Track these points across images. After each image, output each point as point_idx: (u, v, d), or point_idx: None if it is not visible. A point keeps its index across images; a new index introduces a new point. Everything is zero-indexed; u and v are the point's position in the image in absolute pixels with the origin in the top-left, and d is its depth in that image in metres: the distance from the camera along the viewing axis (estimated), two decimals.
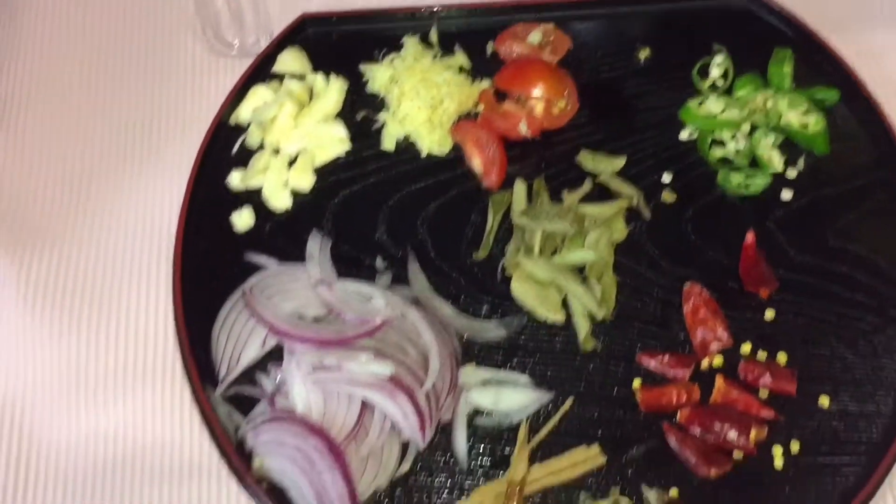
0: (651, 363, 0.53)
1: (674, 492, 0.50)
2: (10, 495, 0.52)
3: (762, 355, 0.53)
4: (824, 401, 0.52)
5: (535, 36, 0.63)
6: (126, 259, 0.58)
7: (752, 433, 0.50)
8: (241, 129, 0.61)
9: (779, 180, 0.59)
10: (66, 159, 0.62)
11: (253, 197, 0.59)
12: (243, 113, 0.61)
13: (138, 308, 0.57)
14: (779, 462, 0.50)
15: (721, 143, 0.60)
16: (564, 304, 0.55)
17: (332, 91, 0.61)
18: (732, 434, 0.50)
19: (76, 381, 0.54)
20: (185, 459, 0.52)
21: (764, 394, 0.52)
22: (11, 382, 0.54)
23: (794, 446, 0.51)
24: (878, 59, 0.64)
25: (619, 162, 0.59)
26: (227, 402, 0.52)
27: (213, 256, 0.57)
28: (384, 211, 0.58)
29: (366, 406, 0.50)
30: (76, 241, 0.59)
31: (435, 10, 0.65)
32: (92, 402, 0.54)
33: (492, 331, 0.54)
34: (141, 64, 0.66)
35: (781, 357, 0.53)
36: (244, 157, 0.60)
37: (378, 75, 0.62)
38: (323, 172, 0.60)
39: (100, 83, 0.65)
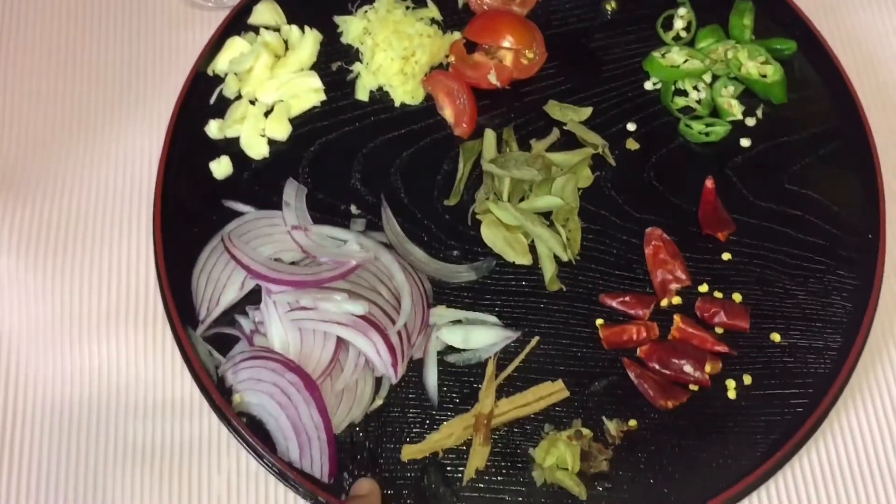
0: (613, 303, 0.55)
1: (633, 422, 0.52)
2: (0, 429, 0.54)
3: (718, 294, 0.55)
4: (776, 336, 0.54)
5: None
6: (108, 206, 0.60)
7: (708, 367, 0.53)
8: (218, 80, 0.62)
9: (738, 128, 0.60)
10: (48, 111, 0.63)
11: (231, 146, 0.60)
12: (220, 64, 0.62)
13: (121, 253, 0.58)
14: (732, 394, 0.53)
15: (683, 93, 0.62)
16: (532, 247, 0.57)
17: (307, 42, 0.62)
18: (689, 368, 0.53)
19: (62, 322, 0.56)
20: (168, 396, 0.54)
21: (719, 330, 0.54)
22: (1, 324, 0.56)
23: (747, 379, 0.53)
24: (835, 12, 0.65)
25: (586, 111, 0.61)
26: (208, 341, 0.54)
27: (193, 203, 0.58)
28: (358, 159, 0.60)
29: (341, 343, 0.52)
30: (58, 190, 0.60)
31: None
32: (78, 343, 0.56)
33: (462, 274, 0.56)
34: (120, 17, 0.66)
35: (736, 296, 0.55)
36: (222, 108, 0.61)
37: (352, 27, 0.63)
38: (299, 122, 0.61)
39: (80, 36, 0.66)
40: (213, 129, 0.60)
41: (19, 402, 0.54)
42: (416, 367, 0.54)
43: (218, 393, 0.51)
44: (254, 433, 0.51)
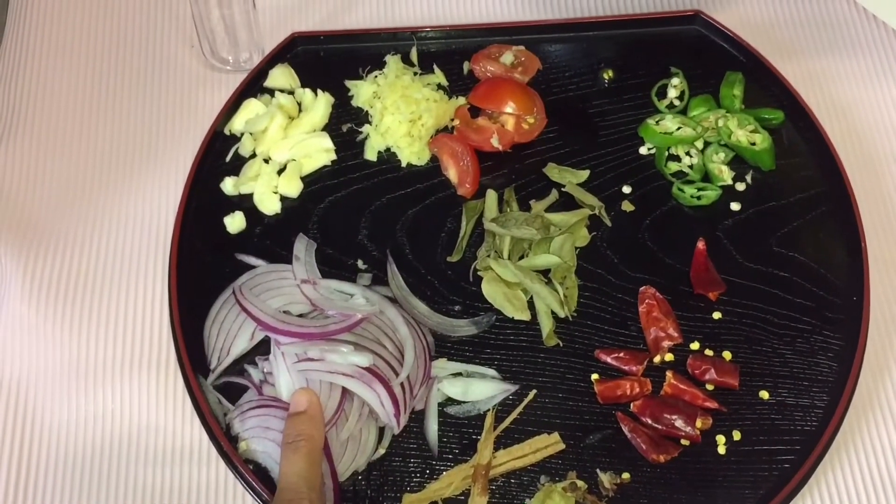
0: (608, 358, 0.58)
1: (626, 475, 0.54)
2: (13, 473, 0.55)
3: (709, 352, 0.58)
4: (764, 394, 0.56)
5: (508, 57, 0.67)
6: (125, 258, 0.62)
7: (698, 422, 0.55)
8: (234, 139, 0.65)
9: (728, 193, 0.63)
10: (70, 165, 0.66)
11: (245, 202, 0.63)
12: (236, 124, 0.65)
13: (136, 303, 0.61)
14: (722, 449, 0.55)
15: (676, 158, 0.65)
16: (530, 304, 0.59)
17: (320, 105, 0.65)
18: (680, 423, 0.55)
19: (77, 370, 0.58)
20: (178, 443, 0.56)
21: (710, 387, 0.56)
22: (17, 371, 0.58)
23: (736, 435, 0.55)
24: (820, 84, 0.68)
25: (583, 174, 0.64)
26: (217, 390, 0.56)
27: (207, 256, 0.60)
28: (366, 216, 0.62)
29: (346, 394, 0.55)
30: (79, 241, 0.63)
31: (415, 31, 0.68)
32: (92, 390, 0.58)
33: (463, 328, 0.59)
34: (141, 77, 0.69)
35: (726, 354, 0.57)
36: (237, 165, 0.64)
37: (362, 91, 0.66)
38: (310, 180, 0.64)
39: (102, 94, 0.69)
40: (229, 185, 0.63)
41: (34, 447, 0.56)
42: (417, 417, 0.56)
43: (226, 440, 0.53)
44: (260, 480, 0.52)
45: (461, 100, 0.66)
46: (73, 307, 0.60)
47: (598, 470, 0.54)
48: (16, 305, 0.60)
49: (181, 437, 0.56)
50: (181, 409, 0.57)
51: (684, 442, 0.55)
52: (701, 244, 0.61)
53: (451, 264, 0.61)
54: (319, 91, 0.66)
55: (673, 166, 0.64)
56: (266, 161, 0.64)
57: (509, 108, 0.64)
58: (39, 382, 0.58)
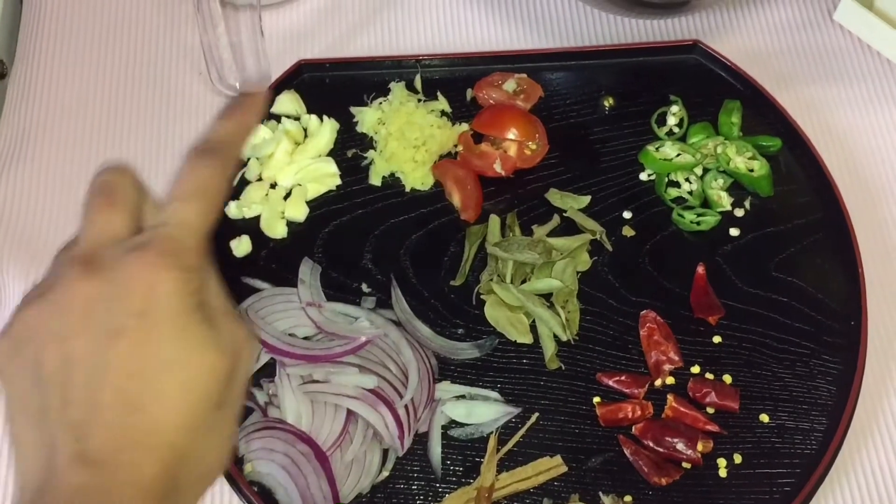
0: (610, 382, 0.58)
1: (628, 498, 0.54)
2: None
3: (709, 375, 0.58)
4: (764, 417, 0.57)
5: (510, 84, 0.68)
6: None
7: (700, 445, 0.55)
8: (240, 164, 0.66)
9: (727, 219, 0.64)
10: (81, 189, 0.66)
11: (251, 226, 0.63)
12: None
13: None
14: (723, 472, 0.55)
15: (676, 185, 0.66)
16: (532, 327, 0.60)
17: (325, 131, 0.67)
18: (681, 446, 0.55)
19: None
20: None
21: (710, 410, 0.57)
22: None
23: (737, 458, 0.56)
24: (818, 112, 0.70)
25: (585, 200, 0.65)
26: None
27: None
28: (370, 240, 0.63)
29: (351, 416, 0.55)
30: None
31: (419, 59, 0.70)
32: None
33: (466, 351, 0.59)
34: (149, 102, 0.71)
35: (727, 377, 0.58)
36: (243, 190, 0.65)
37: (367, 117, 0.67)
38: (315, 205, 0.65)
39: (110, 120, 0.70)
40: (232, 208, 0.64)
41: None
42: (420, 440, 0.56)
43: (230, 462, 0.54)
44: (265, 502, 0.53)
45: (464, 126, 0.67)
46: None
47: (600, 492, 0.54)
48: None
49: None
50: None
51: (686, 465, 0.55)
52: (701, 269, 0.62)
53: (454, 288, 0.62)
54: (325, 117, 0.68)
55: (673, 192, 0.65)
56: (272, 186, 0.65)
57: (512, 134, 0.65)
58: None
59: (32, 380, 0.33)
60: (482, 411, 0.57)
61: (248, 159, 0.66)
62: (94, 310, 0.32)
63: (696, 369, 0.58)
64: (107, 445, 0.32)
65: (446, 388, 0.57)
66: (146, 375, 0.32)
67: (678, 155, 0.65)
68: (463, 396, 0.57)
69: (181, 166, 0.37)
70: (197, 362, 0.33)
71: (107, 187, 0.37)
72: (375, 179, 0.66)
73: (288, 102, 0.68)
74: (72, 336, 0.32)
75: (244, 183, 0.65)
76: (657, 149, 0.66)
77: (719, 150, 0.65)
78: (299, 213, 0.64)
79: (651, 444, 0.56)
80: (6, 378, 0.34)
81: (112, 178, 0.37)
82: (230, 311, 0.35)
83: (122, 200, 0.36)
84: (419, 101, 0.68)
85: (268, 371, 0.58)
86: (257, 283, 0.61)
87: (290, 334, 0.58)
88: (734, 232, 0.64)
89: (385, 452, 0.55)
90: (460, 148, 0.66)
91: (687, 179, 0.66)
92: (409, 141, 0.65)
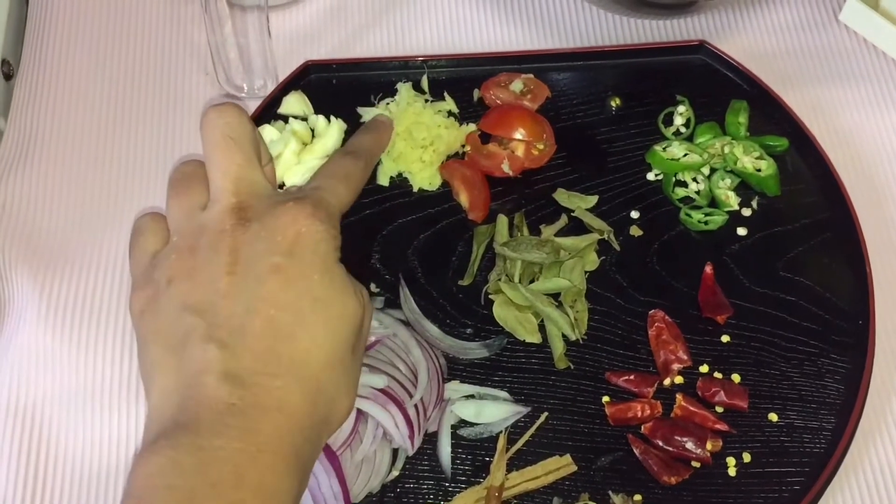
0: (618, 381, 0.58)
1: (638, 497, 0.54)
2: (30, 493, 0.56)
3: (718, 375, 0.58)
4: (773, 416, 0.57)
5: (517, 84, 0.69)
6: None
7: (709, 444, 0.55)
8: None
9: (735, 218, 0.64)
10: (86, 191, 0.67)
11: None
12: None
13: None
14: (732, 471, 0.55)
15: (683, 184, 0.66)
16: (541, 327, 0.60)
17: (333, 131, 0.67)
18: (691, 445, 0.55)
19: (93, 394, 0.59)
20: None
21: (719, 409, 0.57)
22: (33, 392, 0.59)
23: (746, 457, 0.56)
24: (824, 112, 0.70)
25: (592, 199, 0.65)
26: None
27: None
28: (378, 241, 0.63)
29: (360, 415, 0.55)
30: (94, 266, 0.64)
31: (426, 59, 0.70)
32: (108, 413, 0.58)
33: (475, 350, 0.59)
34: (158, 104, 0.71)
35: (735, 376, 0.58)
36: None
37: None
38: None
39: (119, 122, 0.70)
40: None
41: (50, 470, 0.57)
42: (430, 439, 0.56)
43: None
44: None
45: (471, 126, 0.68)
46: (88, 332, 0.61)
47: (610, 491, 0.55)
48: (32, 330, 0.61)
49: None
50: None
51: (695, 464, 0.55)
52: (709, 268, 0.62)
53: (462, 288, 0.62)
54: (332, 117, 0.68)
55: (680, 192, 0.65)
56: (281, 186, 0.65)
57: (519, 134, 0.66)
58: (56, 406, 0.58)
59: (176, 313, 0.34)
60: (491, 411, 0.57)
61: None
62: (247, 251, 0.34)
63: (704, 368, 0.59)
64: (256, 369, 0.32)
65: (455, 388, 0.57)
66: (297, 308, 0.34)
67: (685, 155, 0.66)
68: (472, 396, 0.57)
69: (330, 159, 0.43)
70: (341, 304, 0.35)
71: (241, 139, 0.40)
72: (383, 179, 0.66)
73: (295, 103, 0.68)
74: (223, 274, 0.34)
75: None
76: (664, 149, 0.66)
77: (726, 149, 0.66)
78: None
79: (660, 444, 0.56)
80: (146, 318, 0.35)
81: (240, 126, 0.40)
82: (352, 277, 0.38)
83: (255, 153, 0.39)
84: (426, 101, 0.68)
85: None
86: None
87: None
88: (742, 231, 0.64)
89: (395, 452, 0.55)
90: (468, 148, 0.66)
91: (694, 179, 0.66)
92: (417, 141, 0.65)
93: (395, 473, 0.55)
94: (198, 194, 0.37)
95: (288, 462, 0.32)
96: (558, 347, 0.59)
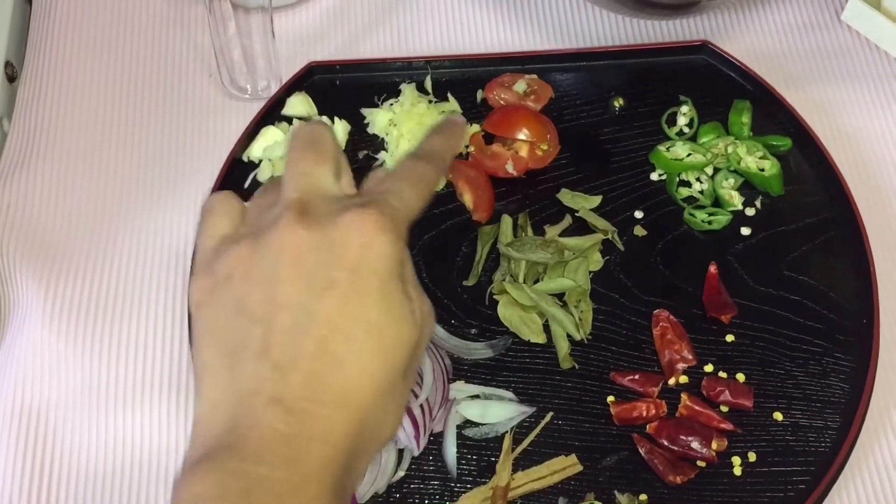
0: (623, 381, 0.58)
1: (643, 497, 0.54)
2: (35, 493, 0.56)
3: (723, 374, 0.58)
4: (778, 415, 0.57)
5: (521, 85, 0.69)
6: (145, 283, 0.63)
7: (714, 444, 0.55)
8: (252, 166, 0.66)
9: (738, 218, 0.64)
10: (90, 192, 0.67)
11: None
12: (255, 151, 0.66)
13: (155, 326, 0.61)
14: (738, 470, 0.55)
15: (687, 184, 0.66)
16: (546, 327, 0.60)
17: (337, 132, 0.67)
18: (696, 445, 0.55)
19: (98, 394, 0.59)
20: None
21: (724, 409, 0.57)
22: (37, 393, 0.59)
23: (752, 456, 0.56)
24: (827, 112, 0.70)
25: (596, 200, 0.65)
26: None
27: None
28: None
29: None
30: (99, 266, 0.64)
31: (429, 60, 0.70)
32: (112, 413, 0.58)
33: (479, 351, 0.59)
34: (160, 105, 0.71)
35: (740, 376, 0.58)
36: (256, 191, 0.65)
37: (378, 119, 0.68)
38: None
39: (121, 122, 0.70)
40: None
41: (55, 470, 0.57)
42: (435, 440, 0.56)
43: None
44: None
45: (475, 127, 0.68)
46: (93, 332, 0.61)
47: (615, 491, 0.55)
48: (36, 330, 0.61)
49: None
50: None
51: (701, 463, 0.55)
52: (713, 268, 0.62)
53: (467, 288, 0.62)
54: (336, 119, 0.68)
55: (684, 192, 0.65)
56: None
57: (523, 134, 0.66)
58: (60, 406, 0.58)
59: (232, 315, 0.33)
60: (497, 411, 0.57)
61: (261, 161, 0.66)
62: (307, 258, 0.33)
63: (709, 368, 0.59)
64: (305, 395, 0.32)
65: (461, 388, 0.58)
66: (350, 332, 0.33)
67: (689, 155, 0.66)
68: (477, 396, 0.58)
69: (400, 163, 0.39)
70: (396, 331, 0.34)
71: (316, 141, 0.38)
72: None
73: (299, 104, 0.68)
74: (281, 280, 0.33)
75: (256, 184, 0.66)
76: (668, 149, 0.66)
77: (730, 149, 0.66)
78: None
79: (666, 443, 0.56)
80: (203, 312, 0.35)
81: (319, 133, 0.39)
82: (418, 285, 0.37)
83: (330, 158, 0.37)
84: (430, 102, 0.68)
85: None
86: None
87: None
88: (745, 231, 0.64)
89: (401, 452, 0.55)
90: (472, 149, 0.66)
91: (698, 179, 0.66)
92: None
93: (401, 474, 0.55)
94: (275, 193, 0.36)
95: (330, 492, 0.31)
96: (563, 347, 0.59)
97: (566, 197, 0.65)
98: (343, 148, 0.67)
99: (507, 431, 0.56)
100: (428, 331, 0.36)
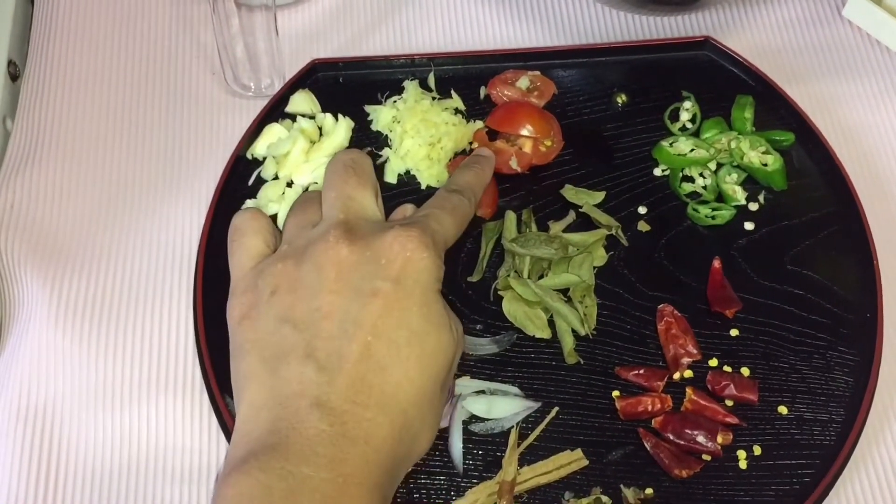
0: (628, 375, 0.58)
1: (649, 490, 0.55)
2: (41, 495, 0.56)
3: (727, 368, 0.59)
4: (783, 409, 0.57)
5: (524, 81, 0.69)
6: (151, 280, 0.63)
7: (719, 438, 0.55)
8: (256, 163, 0.66)
9: (742, 213, 0.64)
10: (95, 190, 0.67)
11: None
12: (259, 148, 0.66)
13: (161, 324, 0.62)
14: (743, 463, 0.55)
15: (690, 180, 0.66)
16: (550, 322, 0.60)
17: (340, 129, 0.67)
18: (701, 438, 0.56)
19: (105, 391, 0.59)
20: (204, 462, 0.57)
21: (729, 403, 0.57)
22: (43, 392, 0.59)
23: (757, 449, 0.56)
24: (829, 107, 0.70)
25: (599, 195, 0.65)
26: None
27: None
28: None
29: None
30: (104, 264, 0.64)
31: (433, 57, 0.70)
32: (119, 411, 0.58)
33: (485, 346, 0.60)
34: (164, 103, 0.71)
35: (745, 370, 0.59)
36: (259, 188, 0.65)
37: (382, 116, 0.68)
38: None
39: (125, 121, 0.70)
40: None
41: (62, 468, 0.57)
42: (441, 435, 0.56)
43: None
44: None
45: (479, 124, 0.68)
46: (99, 329, 0.61)
47: (621, 485, 0.55)
48: (42, 328, 0.61)
49: (207, 456, 0.57)
50: (207, 429, 0.58)
51: (706, 457, 0.56)
52: (717, 263, 0.62)
53: (471, 284, 0.62)
54: (340, 116, 0.68)
55: (687, 187, 0.65)
56: (289, 184, 0.65)
57: (526, 131, 0.66)
58: (66, 404, 0.59)
59: (276, 325, 0.34)
60: (502, 406, 0.57)
61: (265, 158, 0.66)
62: (352, 272, 0.34)
63: (713, 362, 0.59)
64: (348, 397, 0.32)
65: (466, 384, 0.58)
66: (394, 339, 0.33)
67: (692, 150, 0.66)
68: (483, 392, 0.58)
69: (435, 195, 0.43)
70: (436, 339, 0.35)
71: (357, 167, 0.40)
72: (391, 177, 0.66)
73: (302, 101, 0.68)
74: (325, 291, 0.34)
75: (260, 182, 0.66)
76: (671, 144, 0.66)
77: (733, 144, 0.66)
78: None
79: (671, 437, 0.56)
80: (245, 325, 0.35)
81: (359, 159, 0.41)
82: (449, 308, 0.39)
83: (371, 184, 0.41)
84: (433, 99, 0.69)
85: None
86: None
87: None
88: (749, 226, 0.64)
89: None
90: (475, 145, 0.67)
91: (701, 174, 0.66)
92: (425, 139, 0.66)
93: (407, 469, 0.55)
94: (312, 213, 0.37)
95: (372, 495, 0.32)
96: (568, 343, 0.59)
97: (570, 193, 0.65)
98: (347, 145, 0.67)
99: (512, 426, 0.56)
100: (461, 348, 0.37)
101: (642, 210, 0.65)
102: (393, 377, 0.33)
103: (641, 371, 0.58)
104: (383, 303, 0.33)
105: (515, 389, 0.58)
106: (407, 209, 0.41)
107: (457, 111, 0.68)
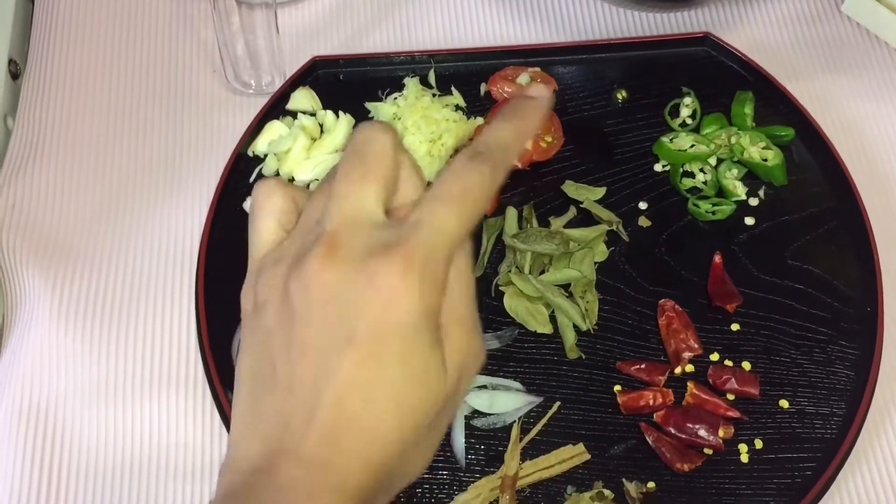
0: (630, 370, 0.59)
1: (651, 484, 0.55)
2: (44, 493, 0.56)
3: (729, 363, 0.59)
4: (784, 403, 0.57)
5: (524, 78, 0.69)
6: (152, 278, 0.63)
7: (721, 431, 0.56)
8: (258, 160, 0.66)
9: (742, 208, 0.64)
10: (96, 188, 0.67)
11: None
12: (260, 145, 0.66)
13: (163, 322, 0.62)
14: (744, 457, 0.56)
15: (691, 175, 0.66)
16: (552, 317, 0.60)
17: (341, 126, 0.67)
18: (703, 432, 0.56)
19: (107, 389, 0.59)
20: (207, 459, 0.57)
21: (730, 397, 0.58)
22: (46, 389, 0.59)
23: (758, 443, 0.56)
24: (829, 102, 0.70)
25: (600, 191, 0.65)
26: None
27: (233, 274, 0.60)
28: None
29: None
30: (106, 262, 0.64)
31: (433, 54, 0.70)
32: (121, 409, 0.58)
33: (486, 342, 0.59)
34: (165, 101, 0.71)
35: (746, 364, 0.59)
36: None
37: (382, 112, 0.68)
38: None
39: (126, 118, 0.70)
40: (248, 205, 0.64)
41: (65, 466, 0.57)
42: None
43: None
44: None
45: (479, 120, 0.68)
46: (101, 327, 0.61)
47: (623, 479, 0.55)
48: (45, 326, 0.61)
49: (210, 453, 0.57)
50: (210, 426, 0.58)
51: (708, 451, 0.56)
52: (717, 258, 0.62)
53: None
54: (341, 113, 0.68)
55: (687, 182, 0.66)
56: (290, 181, 0.65)
57: None
58: (69, 401, 0.59)
59: (264, 339, 0.32)
60: (504, 401, 0.57)
61: (266, 156, 0.66)
62: (331, 301, 0.31)
63: (715, 357, 0.59)
64: (322, 445, 0.31)
65: None
66: (367, 391, 0.31)
67: (692, 146, 0.66)
68: (485, 387, 0.58)
69: (447, 165, 0.34)
70: (417, 390, 0.32)
71: (366, 151, 0.33)
72: None
73: (303, 98, 0.68)
74: (305, 323, 0.31)
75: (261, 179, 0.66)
76: (671, 140, 0.66)
77: (733, 140, 0.66)
78: None
79: (673, 431, 0.56)
80: (247, 324, 0.33)
81: (373, 139, 0.34)
82: (469, 320, 0.33)
83: (379, 172, 0.33)
84: (434, 95, 0.69)
85: None
86: None
87: None
88: (749, 221, 0.64)
89: None
90: None
91: (701, 170, 0.66)
92: (425, 135, 0.66)
93: None
94: (323, 200, 0.34)
95: None
96: (569, 338, 0.59)
97: (571, 188, 0.65)
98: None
99: (514, 421, 0.57)
100: (471, 372, 0.34)
101: (643, 205, 0.65)
102: (368, 430, 0.31)
103: (643, 366, 0.58)
104: (357, 355, 0.31)
105: (517, 384, 0.58)
106: (448, 185, 0.34)
107: (457, 108, 0.69)
